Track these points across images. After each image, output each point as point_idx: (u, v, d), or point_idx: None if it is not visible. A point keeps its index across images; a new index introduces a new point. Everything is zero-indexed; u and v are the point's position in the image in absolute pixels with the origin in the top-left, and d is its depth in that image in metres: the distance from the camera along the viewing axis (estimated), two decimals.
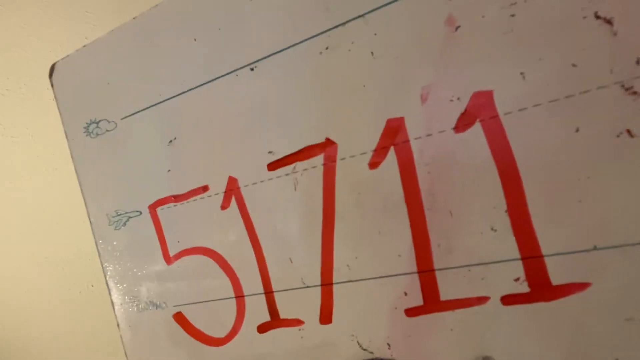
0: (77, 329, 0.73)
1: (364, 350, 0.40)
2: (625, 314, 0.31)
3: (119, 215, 0.50)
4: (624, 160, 0.30)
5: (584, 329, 0.32)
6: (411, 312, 0.37)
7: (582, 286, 0.32)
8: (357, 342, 0.40)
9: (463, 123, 0.34)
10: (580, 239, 0.31)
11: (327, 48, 0.38)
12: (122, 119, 0.48)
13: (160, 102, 0.45)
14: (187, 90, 0.44)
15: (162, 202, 0.47)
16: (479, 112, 0.33)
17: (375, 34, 0.36)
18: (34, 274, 0.75)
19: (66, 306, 0.73)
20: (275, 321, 0.44)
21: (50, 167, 0.67)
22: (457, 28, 0.33)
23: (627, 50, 0.29)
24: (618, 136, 0.30)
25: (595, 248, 0.31)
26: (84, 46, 0.49)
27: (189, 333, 0.49)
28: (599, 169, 0.30)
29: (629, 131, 0.29)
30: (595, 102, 0.30)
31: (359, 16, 0.36)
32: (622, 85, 0.29)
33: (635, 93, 0.29)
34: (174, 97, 0.45)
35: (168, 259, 0.48)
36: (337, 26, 0.37)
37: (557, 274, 0.32)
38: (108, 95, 0.48)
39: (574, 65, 0.30)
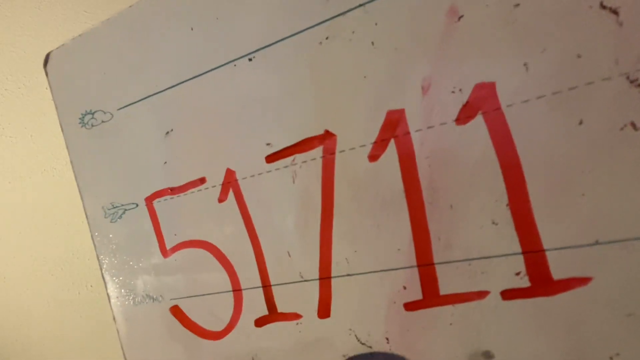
0: (77, 330, 0.73)
1: (362, 344, 0.40)
2: (627, 309, 0.30)
3: (114, 207, 0.49)
4: (628, 154, 0.29)
5: (585, 323, 0.32)
6: (410, 306, 0.37)
7: (583, 281, 0.31)
8: (355, 336, 0.40)
9: (465, 115, 0.33)
10: (582, 233, 0.31)
11: (327, 38, 0.37)
12: (118, 109, 0.47)
13: (157, 93, 0.45)
14: (184, 81, 0.43)
15: (158, 194, 0.47)
16: (481, 103, 0.33)
17: (376, 24, 0.35)
18: (33, 274, 0.75)
19: (65, 307, 0.73)
20: (272, 315, 0.43)
21: (49, 167, 0.66)
22: (459, 18, 0.33)
23: (633, 41, 0.28)
24: (622, 129, 0.29)
25: (597, 242, 0.31)
26: (80, 35, 0.48)
27: (185, 326, 0.48)
28: (602, 162, 0.30)
29: (633, 124, 0.29)
30: (599, 94, 0.29)
31: (360, 5, 0.35)
32: (627, 77, 0.29)
33: None
34: (170, 87, 0.44)
35: (165, 252, 0.48)
36: (337, 16, 0.36)
37: (558, 269, 0.32)
38: (104, 85, 0.47)
39: (578, 56, 0.30)
